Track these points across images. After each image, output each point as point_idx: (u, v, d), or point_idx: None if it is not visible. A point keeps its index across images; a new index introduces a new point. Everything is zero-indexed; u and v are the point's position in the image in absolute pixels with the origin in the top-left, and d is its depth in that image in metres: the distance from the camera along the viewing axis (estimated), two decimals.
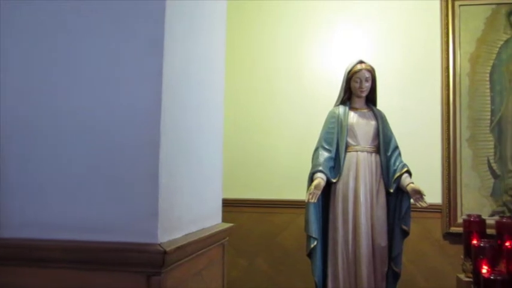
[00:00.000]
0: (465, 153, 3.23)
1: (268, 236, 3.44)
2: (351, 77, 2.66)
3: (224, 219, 3.76)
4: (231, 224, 1.80)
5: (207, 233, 1.55)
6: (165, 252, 1.16)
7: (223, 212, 3.58)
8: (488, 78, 3.27)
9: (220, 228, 1.70)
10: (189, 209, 1.48)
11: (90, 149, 1.22)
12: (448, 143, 3.24)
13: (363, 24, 3.44)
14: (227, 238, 1.81)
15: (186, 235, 1.41)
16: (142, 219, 1.22)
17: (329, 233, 2.58)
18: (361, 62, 2.68)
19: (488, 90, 3.26)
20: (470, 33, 3.31)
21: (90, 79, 1.23)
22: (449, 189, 3.20)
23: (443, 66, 3.31)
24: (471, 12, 3.33)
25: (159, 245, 1.19)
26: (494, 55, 3.27)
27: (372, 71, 2.67)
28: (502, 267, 2.39)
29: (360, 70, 2.63)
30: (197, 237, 1.45)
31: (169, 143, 1.28)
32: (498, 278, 2.25)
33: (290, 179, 3.36)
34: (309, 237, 2.54)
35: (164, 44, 1.24)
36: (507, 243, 2.45)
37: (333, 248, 2.54)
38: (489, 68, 3.27)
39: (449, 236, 3.15)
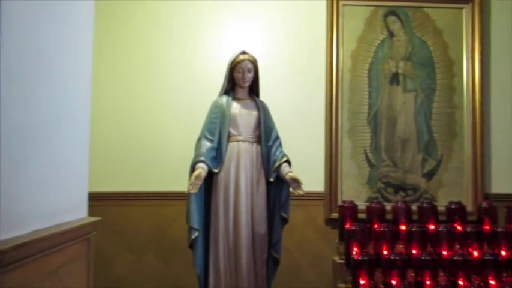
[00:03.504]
0: (345, 144, 3.45)
1: (158, 229, 3.35)
2: (234, 67, 2.67)
3: (111, 214, 3.57)
4: (97, 218, 1.69)
5: (64, 228, 1.44)
6: None
7: (109, 206, 3.41)
8: (366, 75, 3.51)
9: (83, 223, 1.59)
10: (41, 203, 1.36)
11: None
12: (331, 135, 3.43)
13: (254, 18, 3.48)
14: (94, 233, 1.70)
15: (35, 231, 1.29)
16: None
17: (211, 223, 2.57)
18: (244, 52, 2.70)
19: (366, 86, 3.51)
20: (352, 31, 3.52)
21: None
22: (330, 178, 3.39)
23: (328, 62, 3.48)
24: (353, 12, 3.55)
25: None
26: (372, 53, 3.53)
27: (254, 62, 2.70)
28: (370, 248, 2.60)
29: (243, 61, 2.65)
30: (49, 232, 1.33)
31: (10, 132, 1.16)
32: (365, 258, 2.45)
33: (180, 170, 3.28)
34: (191, 229, 2.51)
35: (1, 23, 1.11)
36: (375, 226, 2.67)
37: (215, 238, 2.55)
38: (367, 65, 3.52)
39: (331, 222, 3.34)
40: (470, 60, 3.50)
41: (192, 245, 2.54)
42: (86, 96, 1.69)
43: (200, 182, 2.43)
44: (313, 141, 3.45)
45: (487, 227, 2.69)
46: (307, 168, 3.33)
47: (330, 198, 3.38)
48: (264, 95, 2.91)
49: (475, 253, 2.53)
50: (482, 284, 2.37)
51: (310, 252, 3.37)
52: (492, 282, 2.41)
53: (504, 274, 2.45)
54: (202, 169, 2.45)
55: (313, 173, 3.40)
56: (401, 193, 3.43)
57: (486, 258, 2.47)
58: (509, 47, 3.56)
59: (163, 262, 3.33)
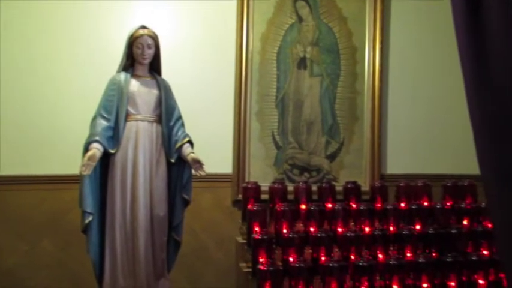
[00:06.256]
0: (254, 126, 3.48)
1: (55, 215, 3.15)
2: (132, 42, 2.55)
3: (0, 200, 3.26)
4: None
5: None
6: None
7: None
8: (275, 58, 3.56)
9: None
10: None
11: None
12: (239, 117, 3.44)
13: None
14: None
15: None
16: None
17: (107, 206, 2.45)
18: (143, 27, 2.58)
19: (275, 69, 3.55)
20: (262, 14, 3.53)
21: None
22: (238, 160, 3.41)
23: (238, 44, 3.46)
24: None
25: None
26: (281, 37, 3.57)
27: (155, 38, 2.60)
28: (271, 228, 2.66)
29: (142, 36, 2.54)
30: None
31: None
32: (265, 237, 2.50)
33: (80, 152, 3.09)
34: (84, 213, 2.38)
35: None
36: (277, 206, 2.73)
37: (111, 221, 2.44)
38: (277, 48, 3.56)
39: (238, 203, 3.36)
40: (371, 49, 3.68)
41: (85, 230, 2.41)
42: None
43: (94, 163, 2.30)
44: (222, 123, 3.44)
45: (379, 205, 2.88)
46: (215, 150, 3.33)
47: (237, 179, 3.40)
48: (172, 77, 2.82)
49: (367, 229, 2.70)
50: (371, 257, 2.54)
51: (217, 234, 3.38)
52: (380, 255, 2.60)
53: (391, 248, 2.64)
54: (96, 149, 2.32)
55: (222, 155, 3.40)
56: (306, 174, 3.55)
57: (375, 233, 2.65)
58: (407, 37, 3.80)
59: (61, 249, 3.14)
